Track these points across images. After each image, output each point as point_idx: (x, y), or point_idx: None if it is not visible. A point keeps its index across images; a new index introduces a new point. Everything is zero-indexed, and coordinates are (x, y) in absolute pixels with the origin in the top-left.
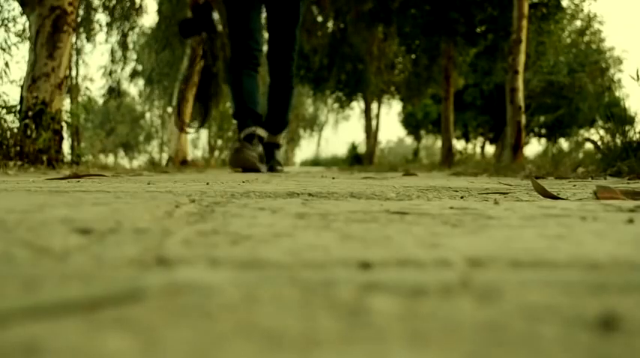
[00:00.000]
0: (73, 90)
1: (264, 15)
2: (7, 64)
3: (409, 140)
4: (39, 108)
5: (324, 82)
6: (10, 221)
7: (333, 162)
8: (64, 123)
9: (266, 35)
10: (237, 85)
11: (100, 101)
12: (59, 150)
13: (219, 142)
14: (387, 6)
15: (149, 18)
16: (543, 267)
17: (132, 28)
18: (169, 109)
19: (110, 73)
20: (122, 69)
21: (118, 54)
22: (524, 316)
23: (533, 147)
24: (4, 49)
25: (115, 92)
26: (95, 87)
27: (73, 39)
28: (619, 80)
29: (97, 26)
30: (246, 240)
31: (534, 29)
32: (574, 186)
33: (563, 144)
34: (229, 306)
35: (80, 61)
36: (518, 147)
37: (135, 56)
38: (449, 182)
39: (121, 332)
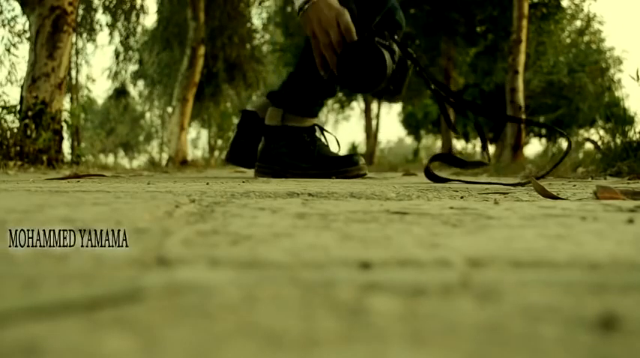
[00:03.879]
0: (73, 90)
1: None
2: (12, 65)
3: (409, 140)
4: (39, 109)
5: None
6: (10, 221)
7: None
8: (64, 123)
9: None
10: None
11: (101, 101)
12: (59, 150)
13: (219, 142)
14: None
15: (149, 18)
16: (543, 267)
17: (134, 29)
18: (169, 109)
19: (116, 74)
20: (126, 70)
21: (122, 55)
22: (524, 316)
23: (533, 147)
24: (9, 50)
25: (123, 94)
26: (95, 87)
27: (73, 39)
28: (619, 80)
29: (97, 26)
30: (246, 240)
31: (534, 29)
32: (574, 186)
33: (563, 144)
34: (229, 306)
35: (81, 62)
36: (518, 147)
37: (137, 57)
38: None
39: (121, 332)
